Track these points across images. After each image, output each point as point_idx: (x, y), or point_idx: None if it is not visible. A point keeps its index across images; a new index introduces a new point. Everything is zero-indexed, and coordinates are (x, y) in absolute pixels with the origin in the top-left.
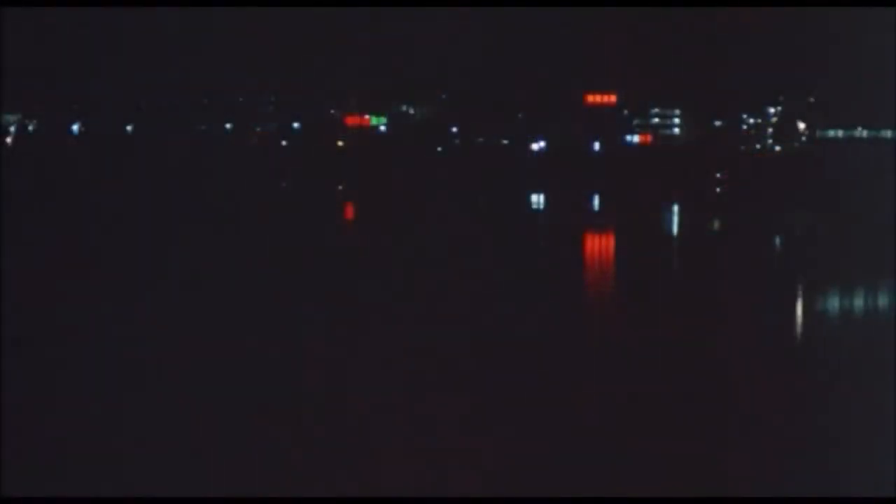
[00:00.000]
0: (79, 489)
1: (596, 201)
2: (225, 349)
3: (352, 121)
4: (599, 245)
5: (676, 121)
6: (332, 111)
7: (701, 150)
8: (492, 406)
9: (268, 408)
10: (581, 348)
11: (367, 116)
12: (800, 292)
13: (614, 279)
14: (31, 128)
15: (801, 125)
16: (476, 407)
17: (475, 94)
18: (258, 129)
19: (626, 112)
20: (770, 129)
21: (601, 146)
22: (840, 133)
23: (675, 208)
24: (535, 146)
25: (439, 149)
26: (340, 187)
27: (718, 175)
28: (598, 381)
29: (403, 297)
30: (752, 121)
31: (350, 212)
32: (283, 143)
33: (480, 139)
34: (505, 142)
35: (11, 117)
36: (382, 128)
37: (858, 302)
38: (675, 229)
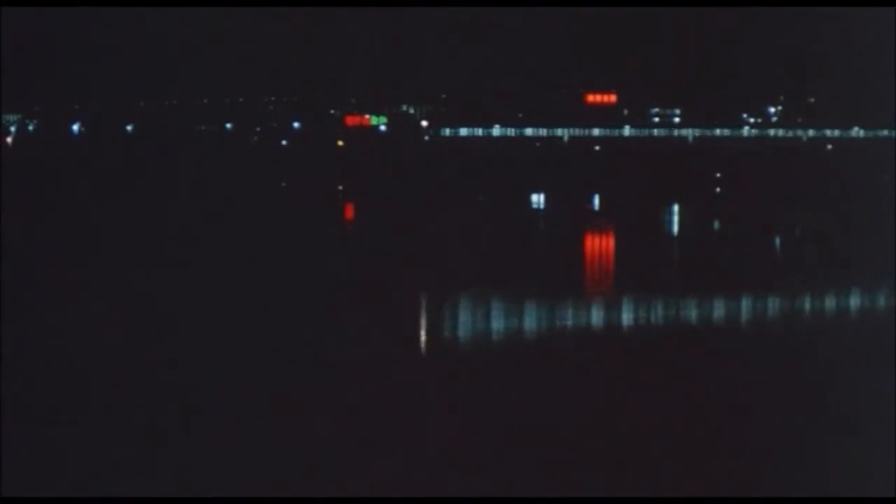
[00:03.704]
0: (79, 489)
1: (596, 201)
2: (222, 350)
3: (352, 121)
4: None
5: (676, 121)
6: (332, 111)
7: (701, 150)
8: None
9: (266, 408)
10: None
11: (367, 116)
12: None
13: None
14: (31, 128)
15: (424, 122)
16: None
17: (475, 94)
18: (258, 129)
19: (626, 112)
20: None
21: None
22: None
23: (675, 208)
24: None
25: (439, 149)
26: (340, 187)
27: (718, 175)
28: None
29: (402, 296)
30: (752, 120)
31: (350, 212)
32: (283, 143)
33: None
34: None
35: (11, 117)
36: (382, 128)
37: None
38: (674, 229)
